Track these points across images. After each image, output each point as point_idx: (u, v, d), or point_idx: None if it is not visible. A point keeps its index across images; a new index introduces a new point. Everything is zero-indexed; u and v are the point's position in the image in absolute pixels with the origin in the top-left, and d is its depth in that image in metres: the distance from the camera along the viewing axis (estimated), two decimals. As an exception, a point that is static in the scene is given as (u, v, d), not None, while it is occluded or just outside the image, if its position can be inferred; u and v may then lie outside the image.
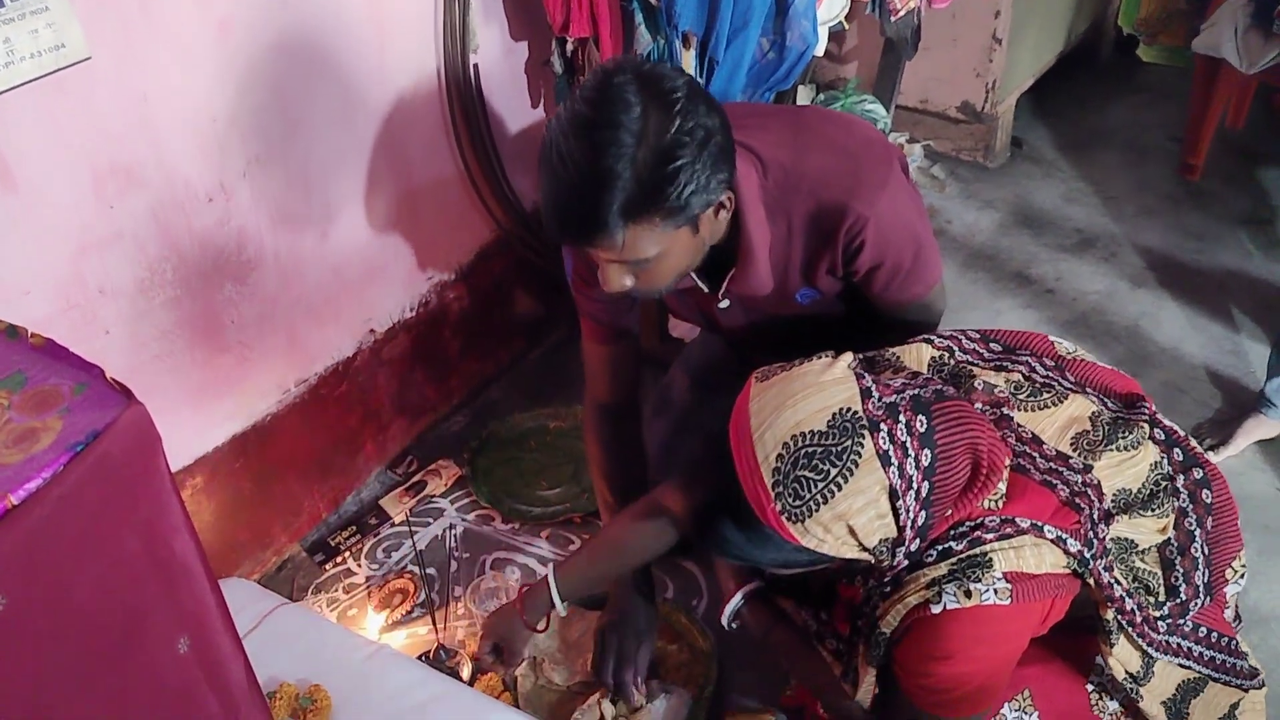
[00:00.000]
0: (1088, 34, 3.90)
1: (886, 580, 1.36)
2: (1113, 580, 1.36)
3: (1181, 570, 1.43)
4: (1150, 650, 1.42)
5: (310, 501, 2.36)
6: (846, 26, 2.48)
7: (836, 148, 1.62)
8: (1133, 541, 1.40)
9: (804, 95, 2.99)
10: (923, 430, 1.23)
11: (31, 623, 0.90)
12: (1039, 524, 1.30)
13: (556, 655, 1.97)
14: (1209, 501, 1.47)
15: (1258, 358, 2.64)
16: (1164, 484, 1.43)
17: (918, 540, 1.28)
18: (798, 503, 1.20)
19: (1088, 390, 1.52)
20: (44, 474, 0.88)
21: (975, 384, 1.48)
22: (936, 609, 1.28)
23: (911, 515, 1.24)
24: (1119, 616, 1.36)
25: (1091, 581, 1.33)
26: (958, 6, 2.76)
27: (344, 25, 2.00)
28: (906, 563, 1.31)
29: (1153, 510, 1.40)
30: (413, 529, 2.33)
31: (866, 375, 1.28)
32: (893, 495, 1.21)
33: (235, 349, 2.02)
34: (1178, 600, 1.43)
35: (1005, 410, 1.43)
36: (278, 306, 2.08)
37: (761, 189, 1.59)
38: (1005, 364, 1.55)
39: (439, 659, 1.99)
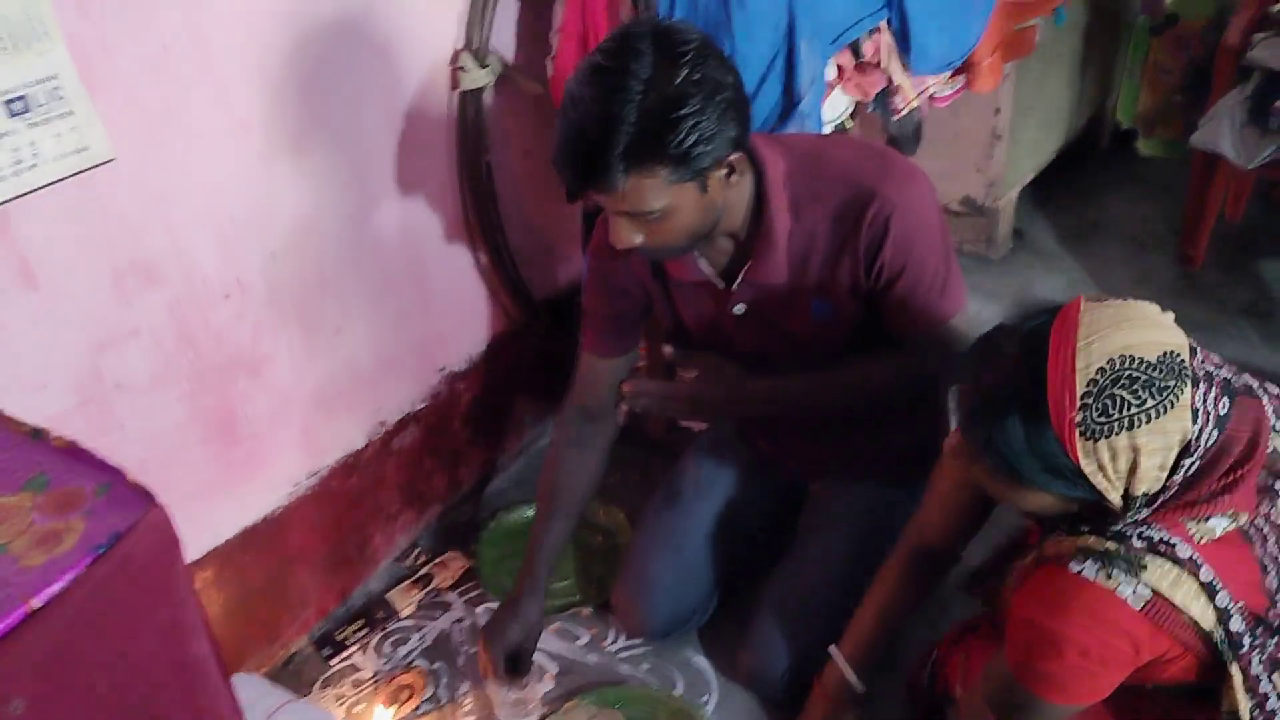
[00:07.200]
0: (1087, 127, 3.97)
1: (1064, 526, 1.36)
2: (1265, 675, 1.30)
3: None
4: None
5: (318, 594, 2.35)
6: (850, 126, 2.52)
7: (866, 147, 1.69)
8: None
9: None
10: (1222, 413, 1.23)
11: (50, 726, 0.90)
12: (1207, 571, 1.26)
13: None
14: None
15: (1266, 448, 2.62)
16: None
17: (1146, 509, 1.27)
18: (1102, 419, 1.19)
19: None
20: (67, 576, 0.89)
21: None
22: (1075, 568, 1.28)
23: (1177, 479, 1.23)
24: (1257, 713, 1.31)
25: (1236, 669, 1.28)
26: (959, 104, 2.82)
27: (361, 124, 2.05)
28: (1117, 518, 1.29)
29: None
30: (420, 624, 2.31)
31: (1191, 339, 1.28)
32: (1184, 451, 1.21)
33: (247, 442, 2.03)
34: None
35: (1277, 485, 1.36)
36: (291, 400, 2.09)
37: (788, 175, 1.63)
38: None
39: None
